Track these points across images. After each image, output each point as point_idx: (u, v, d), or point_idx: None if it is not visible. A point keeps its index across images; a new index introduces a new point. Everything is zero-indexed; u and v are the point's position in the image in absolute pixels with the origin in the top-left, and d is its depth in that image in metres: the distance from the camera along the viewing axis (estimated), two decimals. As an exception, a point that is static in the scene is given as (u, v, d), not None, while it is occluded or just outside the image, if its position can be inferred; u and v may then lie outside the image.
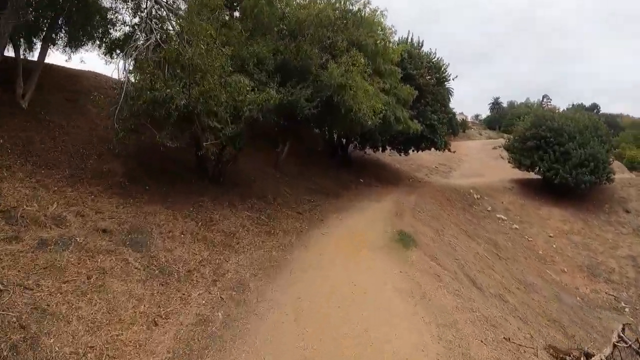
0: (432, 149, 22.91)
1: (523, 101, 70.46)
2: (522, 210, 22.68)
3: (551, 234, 20.32)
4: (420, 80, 19.04)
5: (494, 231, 17.97)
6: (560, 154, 23.82)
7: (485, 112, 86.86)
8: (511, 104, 72.78)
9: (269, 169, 15.02)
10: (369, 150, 23.84)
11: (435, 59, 21.77)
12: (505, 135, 44.36)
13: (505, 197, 23.86)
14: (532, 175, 28.44)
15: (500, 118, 68.18)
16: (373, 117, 11.85)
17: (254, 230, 9.69)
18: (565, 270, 17.02)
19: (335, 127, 14.69)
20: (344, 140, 21.75)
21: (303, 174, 16.21)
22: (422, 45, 22.08)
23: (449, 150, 23.65)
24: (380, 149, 22.79)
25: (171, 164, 10.76)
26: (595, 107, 70.68)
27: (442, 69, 21.68)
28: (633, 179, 29.83)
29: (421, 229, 11.91)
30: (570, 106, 61.38)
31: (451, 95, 22.83)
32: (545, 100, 73.20)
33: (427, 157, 31.98)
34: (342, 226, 11.40)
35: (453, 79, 22.22)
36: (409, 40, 21.76)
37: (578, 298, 14.94)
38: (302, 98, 10.82)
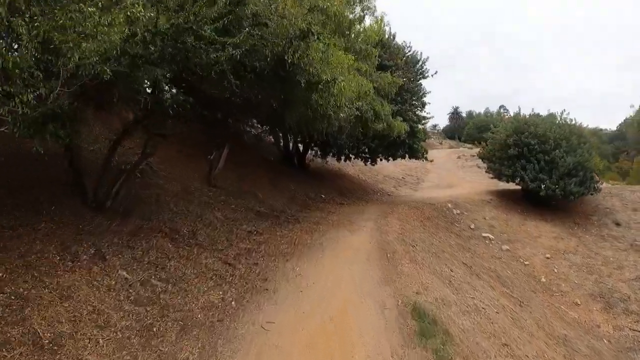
0: (409, 157, 19.51)
1: (482, 111, 69.99)
2: (508, 226, 19.50)
3: (548, 255, 17.18)
4: (397, 73, 15.42)
5: (487, 257, 14.55)
6: (545, 163, 20.94)
7: (442, 122, 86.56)
8: (470, 114, 72.01)
9: (200, 184, 10.78)
10: (332, 160, 19.98)
11: (411, 52, 18.31)
12: (467, 145, 42.22)
13: (486, 212, 20.66)
14: (508, 185, 25.72)
15: (460, 128, 66.94)
16: (350, 105, 7.78)
17: (118, 325, 4.83)
18: (579, 302, 13.80)
19: (290, 117, 9.09)
20: (301, 147, 17.80)
21: (247, 189, 12.13)
22: (394, 37, 18.62)
23: (426, 158, 20.26)
24: (345, 157, 19.01)
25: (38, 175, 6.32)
26: (552, 117, 70.45)
27: (420, 62, 18.22)
28: (614, 188, 27.62)
29: (434, 284, 7.99)
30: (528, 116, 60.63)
31: (426, 95, 19.44)
32: (502, 110, 72.99)
33: (391, 167, 28.66)
34: (303, 299, 6.79)
35: (432, 75, 18.80)
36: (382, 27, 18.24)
37: (605, 341, 11.58)
38: (207, 21, 5.54)
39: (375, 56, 11.83)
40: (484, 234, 17.52)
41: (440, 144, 58.18)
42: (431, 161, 22.30)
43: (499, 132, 23.50)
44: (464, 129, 63.75)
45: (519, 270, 14.76)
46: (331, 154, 17.96)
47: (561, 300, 13.76)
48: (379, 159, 19.59)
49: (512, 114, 23.66)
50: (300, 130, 12.16)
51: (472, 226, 18.04)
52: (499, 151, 22.55)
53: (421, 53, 18.76)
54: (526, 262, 16.06)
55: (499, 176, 22.57)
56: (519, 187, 24.63)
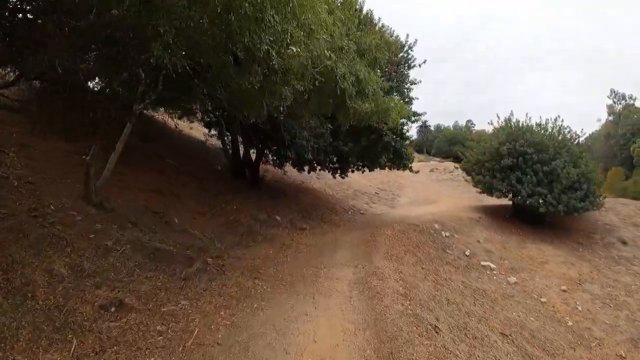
0: (394, 166, 16.05)
1: (450, 125, 68.15)
2: (506, 250, 16.10)
3: (563, 287, 13.77)
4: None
5: (498, 298, 10.94)
6: (544, 175, 17.73)
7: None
8: (438, 128, 70.05)
9: (75, 200, 6.60)
10: (296, 173, 16.14)
11: (394, 36, 14.66)
12: (436, 159, 39.54)
13: (478, 233, 17.25)
14: (494, 200, 22.60)
15: (429, 142, 64.74)
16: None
17: None
18: (623, 354, 10.32)
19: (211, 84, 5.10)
20: (254, 153, 13.81)
21: (156, 210, 7.92)
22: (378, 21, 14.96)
23: (411, 169, 16.79)
24: (309, 166, 15.15)
25: None
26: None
27: (406, 47, 14.59)
28: (606, 201, 24.77)
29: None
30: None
31: (415, 85, 15.65)
32: (469, 124, 71.53)
33: (362, 181, 25.06)
34: None
35: (420, 65, 15.16)
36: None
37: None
38: None
39: (356, 10, 8.07)
40: (483, 263, 13.98)
41: (410, 157, 55.28)
42: (417, 172, 18.76)
43: (490, 139, 20.20)
44: (433, 142, 61.46)
45: (540, 314, 11.21)
46: (290, 162, 14.00)
47: (602, 353, 10.21)
48: (351, 170, 15.81)
49: (498, 121, 20.07)
50: (236, 113, 8.15)
51: (467, 252, 14.47)
52: (489, 161, 19.22)
53: (407, 35, 15.12)
54: (543, 299, 12.54)
55: (489, 191, 19.18)
56: (507, 203, 21.54)
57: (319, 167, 16.00)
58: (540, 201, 17.44)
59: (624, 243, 18.43)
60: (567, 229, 19.45)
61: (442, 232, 15.41)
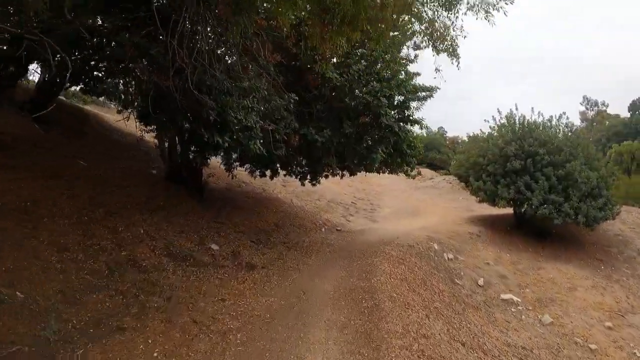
0: (393, 170, 12.70)
1: (423, 131, 65.39)
2: (522, 274, 12.93)
3: (607, 323, 10.43)
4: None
5: (545, 350, 7.38)
6: (557, 180, 14.57)
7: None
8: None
9: None
10: (259, 178, 12.43)
11: None
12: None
13: (483, 252, 14.00)
14: (488, 210, 19.82)
15: (402, 148, 61.62)
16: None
17: None
18: None
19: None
20: (194, 150, 9.85)
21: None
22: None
23: (409, 173, 13.56)
24: (270, 170, 11.46)
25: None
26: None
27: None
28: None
29: None
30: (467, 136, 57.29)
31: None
32: (441, 130, 69.02)
33: (335, 188, 21.46)
34: None
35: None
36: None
37: None
38: None
39: None
40: (503, 296, 10.61)
41: (384, 164, 52.11)
42: (416, 175, 15.37)
43: (493, 137, 16.92)
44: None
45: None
46: (233, 160, 10.10)
47: None
48: (325, 175, 12.11)
49: (498, 118, 16.83)
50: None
51: (480, 282, 11.08)
52: (492, 164, 15.86)
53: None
54: (592, 346, 9.24)
55: (491, 199, 15.83)
56: (505, 212, 18.43)
57: (283, 172, 12.26)
58: (557, 211, 14.29)
59: None
60: (578, 242, 16.51)
61: (444, 254, 11.97)
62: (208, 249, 7.44)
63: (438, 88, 10.74)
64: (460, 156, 19.75)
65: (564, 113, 17.05)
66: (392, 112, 9.58)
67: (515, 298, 10.57)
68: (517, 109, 16.79)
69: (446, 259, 11.77)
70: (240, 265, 7.28)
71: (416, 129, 12.14)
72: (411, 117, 10.71)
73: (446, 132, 65.57)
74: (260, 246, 8.69)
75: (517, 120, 16.62)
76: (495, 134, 17.31)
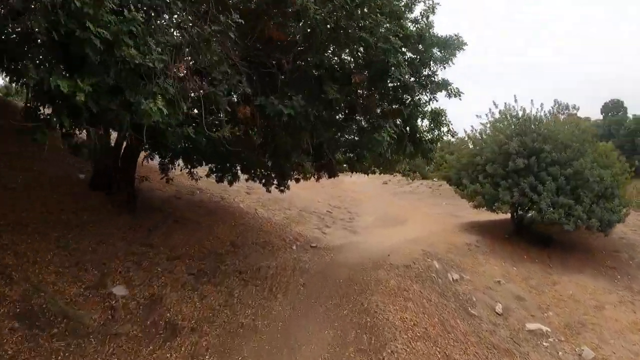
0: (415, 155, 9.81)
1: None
2: (538, 292, 10.92)
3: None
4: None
5: None
6: (566, 180, 12.86)
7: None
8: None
9: None
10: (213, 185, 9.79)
11: None
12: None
13: (487, 267, 11.87)
14: (472, 214, 17.92)
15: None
16: None
17: None
18: None
19: None
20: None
21: None
22: None
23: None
24: (229, 174, 8.93)
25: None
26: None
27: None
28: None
29: None
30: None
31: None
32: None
33: (306, 195, 18.90)
34: None
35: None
36: None
37: None
38: None
39: None
40: (529, 326, 8.48)
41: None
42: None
43: (494, 133, 14.71)
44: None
45: None
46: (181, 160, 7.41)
47: None
48: (295, 178, 9.55)
49: (494, 111, 14.59)
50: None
51: (498, 309, 8.83)
52: (490, 164, 13.68)
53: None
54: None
55: (491, 204, 13.66)
56: (500, 217, 16.40)
57: (245, 176, 9.69)
58: (568, 215, 12.23)
59: None
60: (583, 248, 14.67)
61: (448, 275, 9.68)
62: (107, 296, 4.72)
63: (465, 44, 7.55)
64: (450, 157, 17.60)
65: (574, 104, 15.14)
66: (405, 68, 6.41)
67: (543, 327, 8.30)
68: (516, 101, 14.69)
69: (451, 280, 9.43)
70: (155, 327, 4.55)
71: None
72: (434, 79, 7.54)
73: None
74: (201, 282, 6.02)
75: (518, 113, 14.51)
76: (489, 131, 15.18)
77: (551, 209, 12.39)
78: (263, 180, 9.75)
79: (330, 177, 9.85)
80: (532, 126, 13.93)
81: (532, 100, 15.77)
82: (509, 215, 16.09)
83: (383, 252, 10.41)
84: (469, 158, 15.04)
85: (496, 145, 13.65)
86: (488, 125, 15.28)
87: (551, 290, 10.92)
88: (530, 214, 13.01)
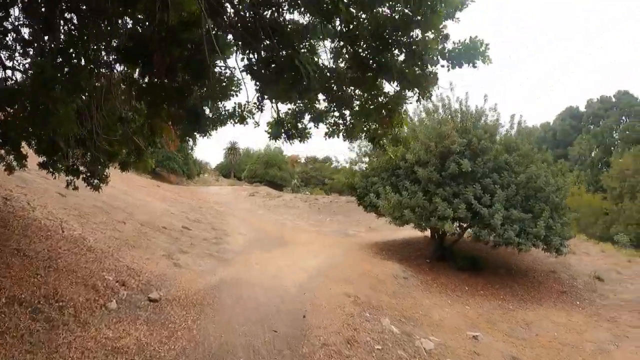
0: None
1: (261, 148, 59.62)
2: (525, 344, 7.87)
3: None
4: None
5: None
6: (515, 189, 9.86)
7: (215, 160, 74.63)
8: (247, 151, 60.87)
9: None
10: None
11: None
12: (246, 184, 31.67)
13: (440, 312, 8.50)
14: (370, 231, 17.05)
15: (237, 165, 55.17)
16: None
17: None
18: None
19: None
20: None
21: None
22: None
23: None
24: None
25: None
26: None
27: None
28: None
29: None
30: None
31: None
32: (278, 150, 64.05)
33: (152, 201, 13.84)
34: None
35: None
36: None
37: None
38: None
39: None
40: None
41: (217, 181, 44.81)
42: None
43: (427, 127, 11.05)
44: (245, 165, 51.91)
45: None
46: None
47: None
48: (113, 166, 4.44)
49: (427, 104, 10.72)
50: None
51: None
52: (424, 167, 10.06)
53: None
54: None
55: (423, 222, 10.04)
56: (407, 234, 13.52)
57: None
58: (519, 235, 9.22)
59: (599, 279, 11.74)
60: (520, 272, 12.09)
61: (415, 342, 5.31)
62: None
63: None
64: (351, 166, 13.74)
65: (495, 104, 12.43)
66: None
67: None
68: (452, 89, 11.34)
69: (424, 353, 5.12)
70: None
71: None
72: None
73: (282, 150, 61.04)
74: None
75: (458, 106, 11.22)
76: (417, 123, 11.73)
77: (505, 226, 9.20)
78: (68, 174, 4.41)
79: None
80: (476, 121, 10.79)
81: (467, 93, 12.76)
82: (417, 232, 12.96)
83: (289, 303, 5.74)
84: (384, 160, 11.31)
85: (435, 140, 10.07)
86: (416, 118, 11.80)
87: (530, 335, 7.76)
88: (479, 234, 9.65)
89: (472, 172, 9.71)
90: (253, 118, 4.27)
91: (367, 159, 13.16)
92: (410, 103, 4.37)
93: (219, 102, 4.25)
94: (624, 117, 43.04)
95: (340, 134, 4.46)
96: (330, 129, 4.44)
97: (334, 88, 4.23)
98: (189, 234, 11.51)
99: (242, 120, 4.27)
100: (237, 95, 4.06)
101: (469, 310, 8.44)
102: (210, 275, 7.47)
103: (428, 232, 12.43)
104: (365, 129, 4.54)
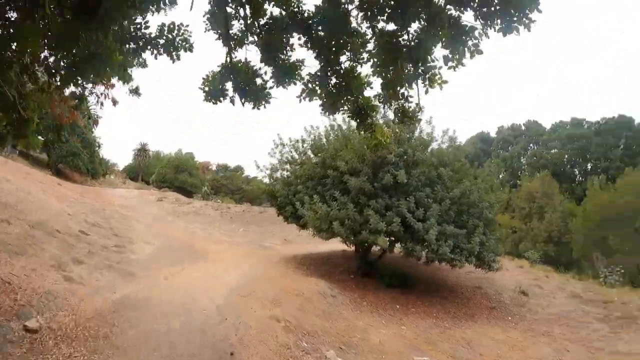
0: None
1: (172, 152, 56.26)
2: None
3: None
4: None
5: None
6: (449, 203, 9.70)
7: (123, 161, 71.33)
8: (157, 154, 57.21)
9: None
10: None
11: None
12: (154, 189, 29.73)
13: (376, 333, 7.86)
14: (289, 244, 16.38)
15: (146, 168, 51.66)
16: None
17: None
18: None
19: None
20: None
21: None
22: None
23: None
24: None
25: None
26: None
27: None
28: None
29: None
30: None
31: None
32: (189, 156, 60.58)
33: (52, 202, 11.63)
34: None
35: None
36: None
37: None
38: None
39: None
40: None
41: (124, 183, 41.48)
42: None
43: (361, 134, 10.54)
44: (155, 169, 48.68)
45: None
46: None
47: None
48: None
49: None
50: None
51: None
52: (357, 177, 9.56)
53: None
54: None
55: (353, 236, 9.49)
56: (327, 247, 13.07)
57: None
58: (451, 250, 9.00)
59: (525, 294, 11.95)
60: (446, 288, 11.93)
61: None
62: None
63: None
64: (272, 173, 12.86)
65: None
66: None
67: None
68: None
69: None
70: None
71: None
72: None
73: (194, 156, 58.28)
74: None
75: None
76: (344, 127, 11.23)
77: (439, 242, 8.91)
78: None
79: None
80: (411, 134, 10.52)
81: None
82: (336, 246, 12.46)
83: (210, 334, 4.73)
84: (310, 168, 10.65)
85: (371, 148, 9.58)
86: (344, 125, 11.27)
87: (475, 355, 7.68)
88: (415, 251, 9.25)
89: (405, 185, 9.35)
90: (189, 50, 3.23)
91: (288, 166, 12.44)
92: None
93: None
94: (531, 145, 47.43)
95: (319, 98, 3.49)
96: (307, 89, 3.48)
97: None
98: (87, 240, 9.76)
99: (173, 50, 3.19)
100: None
101: (405, 330, 7.96)
102: (110, 293, 6.12)
103: (352, 247, 11.92)
104: (383, 74, 3.63)
